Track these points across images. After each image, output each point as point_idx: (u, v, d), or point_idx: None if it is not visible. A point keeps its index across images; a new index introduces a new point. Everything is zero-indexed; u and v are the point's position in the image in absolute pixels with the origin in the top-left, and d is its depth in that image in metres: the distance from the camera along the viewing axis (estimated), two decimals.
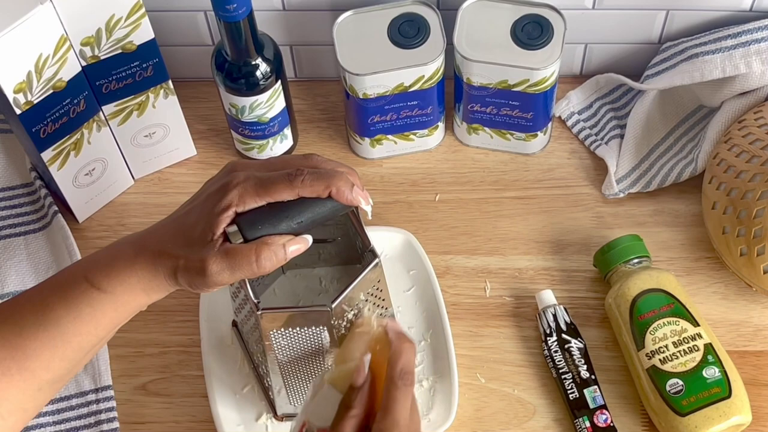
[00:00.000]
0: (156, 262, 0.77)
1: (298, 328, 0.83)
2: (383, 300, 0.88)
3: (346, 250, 0.95)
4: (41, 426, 0.96)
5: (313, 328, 0.83)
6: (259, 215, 0.77)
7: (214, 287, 0.77)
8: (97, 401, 0.97)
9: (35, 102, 0.93)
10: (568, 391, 0.94)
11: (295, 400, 0.92)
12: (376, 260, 0.84)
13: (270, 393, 0.93)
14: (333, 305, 0.81)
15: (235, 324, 0.98)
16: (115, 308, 0.78)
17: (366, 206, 0.78)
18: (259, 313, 0.82)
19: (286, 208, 0.77)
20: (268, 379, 0.90)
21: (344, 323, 0.84)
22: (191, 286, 0.77)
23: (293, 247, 0.77)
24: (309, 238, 0.78)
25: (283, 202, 0.77)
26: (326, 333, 0.83)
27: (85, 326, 0.77)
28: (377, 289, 0.86)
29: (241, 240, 0.77)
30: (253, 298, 0.82)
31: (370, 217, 0.81)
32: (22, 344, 0.76)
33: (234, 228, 0.76)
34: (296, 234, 0.78)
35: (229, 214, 0.75)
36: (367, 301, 0.86)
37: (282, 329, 0.83)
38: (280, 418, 0.95)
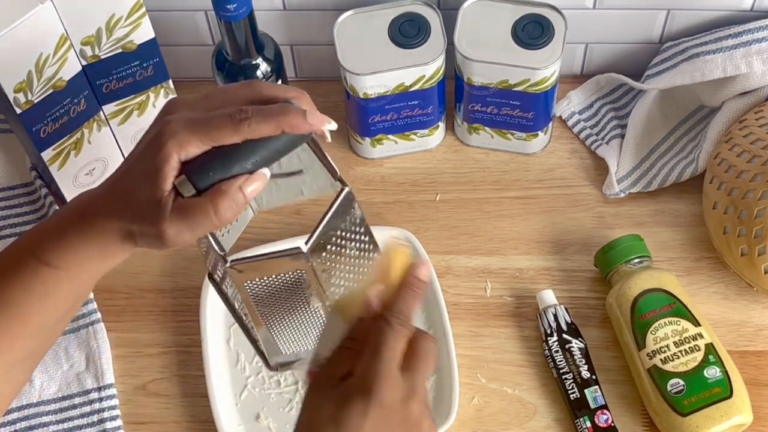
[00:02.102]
0: (107, 229, 0.71)
1: (273, 276, 0.76)
2: (364, 234, 0.80)
3: (316, 183, 0.86)
4: (44, 425, 0.96)
5: (290, 273, 0.76)
6: (208, 160, 0.70)
7: (177, 247, 0.71)
8: (100, 399, 0.97)
9: (35, 101, 0.93)
10: (569, 391, 0.94)
11: (286, 348, 0.87)
12: (346, 189, 0.75)
13: (259, 344, 0.88)
14: (307, 246, 0.73)
15: (210, 276, 0.87)
16: (71, 282, 0.73)
17: (330, 125, 0.71)
18: (228, 265, 0.74)
19: (236, 149, 0.70)
20: (254, 331, 0.85)
21: (326, 261, 0.77)
22: (151, 248, 0.72)
23: (251, 187, 0.70)
24: (266, 172, 0.71)
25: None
26: (305, 276, 0.76)
27: (43, 304, 0.73)
28: (354, 221, 0.78)
29: (193, 192, 0.70)
30: (218, 251, 0.74)
31: (329, 140, 0.73)
32: None
33: (183, 178, 0.70)
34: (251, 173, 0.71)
35: (173, 166, 0.68)
36: (344, 236, 0.78)
37: (257, 279, 0.76)
38: (274, 368, 0.89)
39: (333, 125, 0.71)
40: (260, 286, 0.77)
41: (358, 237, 0.79)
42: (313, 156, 0.77)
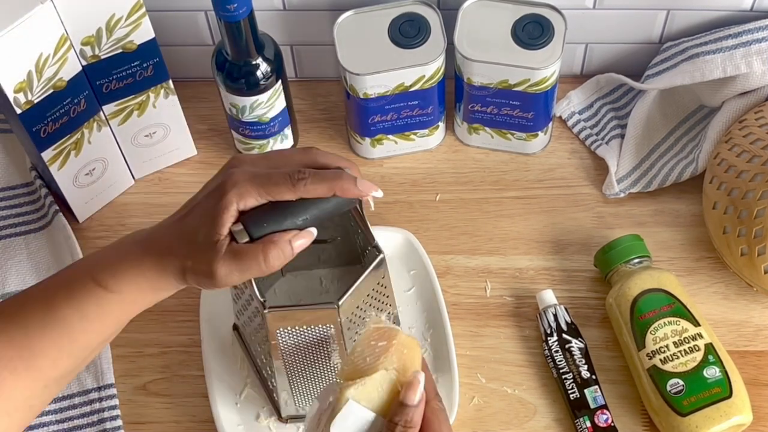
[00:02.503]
0: (163, 263, 0.77)
1: (304, 327, 0.83)
2: (387, 297, 0.88)
3: (346, 251, 0.95)
4: (44, 425, 0.96)
5: (320, 326, 0.83)
6: (264, 213, 0.77)
7: (224, 287, 0.77)
8: (100, 399, 0.97)
9: (35, 101, 0.93)
10: (569, 391, 0.94)
11: (300, 402, 0.92)
12: (381, 256, 0.83)
13: (275, 395, 0.93)
14: (341, 302, 0.81)
15: (235, 327, 0.98)
16: (122, 307, 0.78)
17: (376, 192, 0.78)
18: (266, 311, 0.81)
19: (290, 205, 0.77)
20: (273, 381, 0.90)
21: (352, 320, 0.84)
22: (200, 286, 0.77)
23: (299, 242, 0.76)
24: (314, 231, 0.78)
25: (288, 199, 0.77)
26: (333, 331, 0.83)
27: (92, 325, 0.77)
28: (382, 286, 0.86)
29: (247, 239, 0.76)
30: (259, 297, 0.82)
31: (372, 208, 0.81)
32: (28, 343, 0.76)
33: (239, 227, 0.76)
34: (303, 229, 0.77)
35: (232, 213, 0.75)
36: (371, 297, 0.85)
37: (288, 328, 0.83)
38: (285, 421, 0.94)
39: (379, 193, 0.78)
40: (290, 336, 0.84)
41: (381, 299, 0.88)
42: (350, 224, 0.85)
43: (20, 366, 0.75)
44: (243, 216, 0.76)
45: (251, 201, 0.75)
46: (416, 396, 0.74)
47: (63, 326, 0.76)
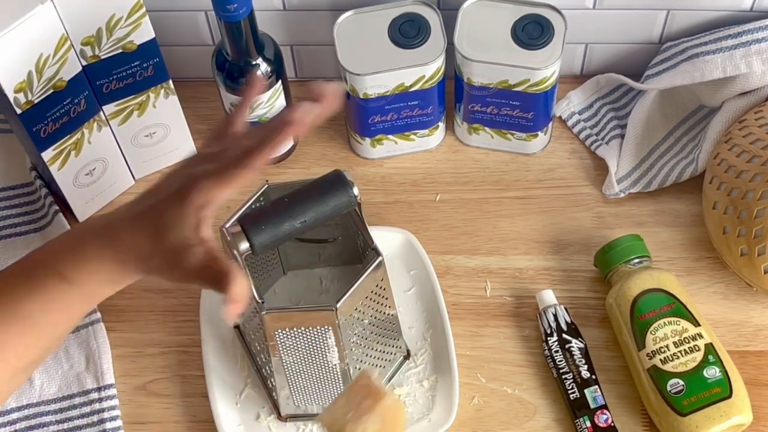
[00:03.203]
0: (124, 258, 0.76)
1: (303, 328, 0.84)
2: (386, 299, 0.88)
3: (347, 250, 0.95)
4: (44, 425, 0.96)
5: (318, 327, 0.83)
6: (263, 216, 0.77)
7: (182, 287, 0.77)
8: (100, 399, 0.97)
9: (36, 102, 0.93)
10: (569, 391, 0.94)
11: (299, 401, 0.92)
12: (379, 258, 0.84)
13: (274, 393, 0.93)
14: (338, 305, 0.82)
15: (237, 326, 0.98)
16: (83, 299, 0.78)
17: (338, 87, 0.76)
18: (264, 313, 0.82)
19: (288, 208, 0.77)
20: (272, 380, 0.90)
21: (350, 321, 0.85)
22: (163, 280, 0.77)
23: (238, 306, 0.74)
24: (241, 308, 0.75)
25: (286, 202, 0.77)
26: (331, 333, 0.83)
27: (57, 316, 0.77)
28: (380, 287, 0.86)
29: (246, 244, 0.76)
30: (257, 298, 0.82)
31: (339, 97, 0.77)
32: None
33: (238, 228, 0.76)
34: (301, 232, 0.77)
35: (207, 214, 0.74)
36: (370, 299, 0.86)
37: (287, 329, 0.83)
38: (284, 419, 0.95)
39: (335, 87, 0.75)
40: (288, 337, 0.85)
41: (380, 300, 0.88)
42: (351, 223, 0.86)
43: None
44: (242, 220, 0.77)
45: (222, 194, 0.74)
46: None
47: (28, 320, 0.76)
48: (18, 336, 0.76)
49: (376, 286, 0.85)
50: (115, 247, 0.76)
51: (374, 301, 0.87)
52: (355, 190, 0.81)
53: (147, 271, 0.76)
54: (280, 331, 0.83)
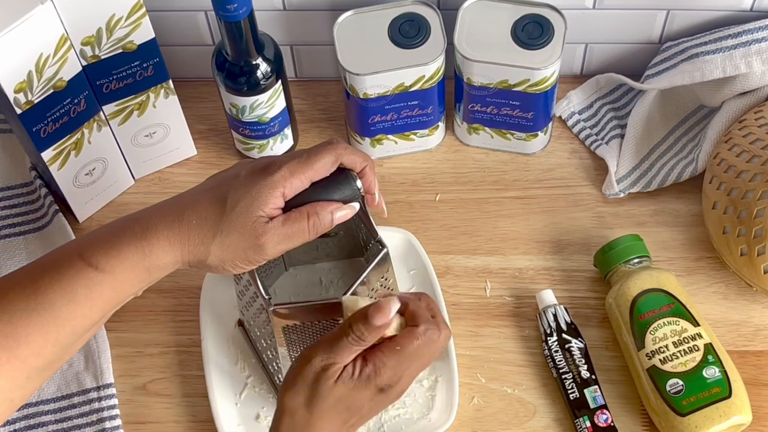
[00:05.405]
0: (172, 236, 0.75)
1: (310, 323, 0.84)
2: (392, 291, 0.88)
3: (348, 244, 0.95)
4: (43, 425, 0.96)
5: (325, 322, 0.83)
6: (293, 203, 0.79)
7: (268, 259, 0.78)
8: (99, 399, 0.97)
9: (36, 102, 0.93)
10: (569, 391, 0.94)
11: None
12: (385, 250, 0.84)
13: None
14: (345, 296, 0.81)
15: (240, 324, 0.98)
16: (113, 288, 0.75)
17: (342, 213, 0.81)
18: (272, 309, 0.82)
19: (293, 203, 0.79)
20: (280, 376, 0.90)
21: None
22: (220, 263, 0.77)
23: (340, 213, 0.79)
24: (356, 206, 0.80)
25: (305, 193, 0.79)
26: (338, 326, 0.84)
27: (80, 308, 0.74)
28: (386, 279, 0.86)
29: None
30: (264, 295, 0.82)
31: (386, 215, 0.85)
32: (12, 331, 0.72)
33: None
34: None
35: (281, 191, 0.77)
36: (375, 291, 0.86)
37: (294, 324, 0.83)
38: None
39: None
40: (295, 331, 0.85)
41: (386, 293, 0.88)
42: (353, 218, 0.85)
43: (3, 356, 0.72)
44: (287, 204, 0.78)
45: (297, 183, 0.77)
46: (379, 320, 0.74)
47: (49, 311, 0.73)
48: (38, 330, 0.73)
49: (382, 278, 0.86)
50: (160, 227, 0.75)
51: (380, 293, 0.86)
52: (359, 183, 0.81)
53: (207, 251, 0.76)
54: (287, 326, 0.83)
